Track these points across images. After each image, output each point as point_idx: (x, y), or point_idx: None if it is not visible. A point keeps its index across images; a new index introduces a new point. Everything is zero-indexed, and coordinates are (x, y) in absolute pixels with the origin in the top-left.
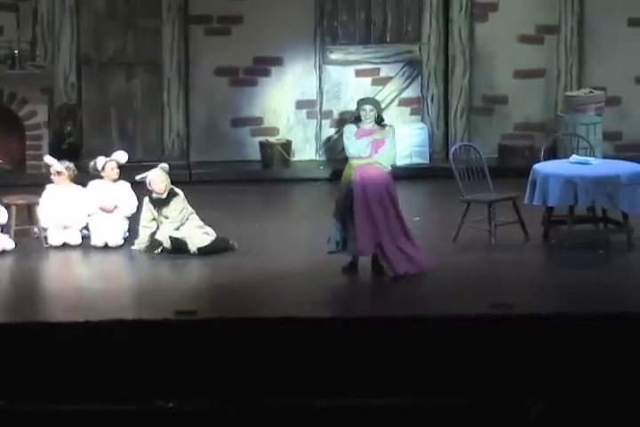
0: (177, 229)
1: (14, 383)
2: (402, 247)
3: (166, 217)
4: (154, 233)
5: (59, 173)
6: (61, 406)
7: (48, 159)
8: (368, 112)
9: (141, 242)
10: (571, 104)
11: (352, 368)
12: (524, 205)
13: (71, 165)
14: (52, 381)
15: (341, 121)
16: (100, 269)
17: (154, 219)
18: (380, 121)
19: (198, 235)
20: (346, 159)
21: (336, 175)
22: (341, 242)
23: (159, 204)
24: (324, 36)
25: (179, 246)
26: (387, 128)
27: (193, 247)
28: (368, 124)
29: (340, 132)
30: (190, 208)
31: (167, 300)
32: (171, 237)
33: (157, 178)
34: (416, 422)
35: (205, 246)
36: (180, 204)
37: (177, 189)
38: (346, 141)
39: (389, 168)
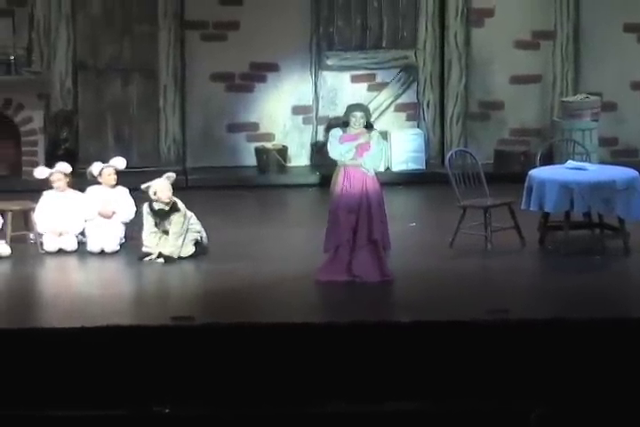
0: (177, 243)
1: (10, 389)
2: (363, 256)
3: (165, 231)
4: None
5: (65, 175)
6: (57, 411)
7: (62, 166)
8: (358, 119)
9: (149, 246)
10: (567, 110)
11: (348, 374)
12: (520, 211)
13: (69, 168)
14: (48, 387)
15: (335, 127)
16: (96, 275)
17: (155, 224)
18: (368, 126)
19: (187, 247)
20: (336, 164)
21: (327, 181)
22: None
23: (160, 216)
24: (320, 42)
25: (167, 260)
26: (372, 132)
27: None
28: (355, 129)
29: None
30: (189, 212)
31: (164, 306)
32: (161, 254)
33: (163, 187)
34: None
35: (188, 256)
36: (181, 218)
37: (180, 204)
38: (329, 145)
39: (373, 172)
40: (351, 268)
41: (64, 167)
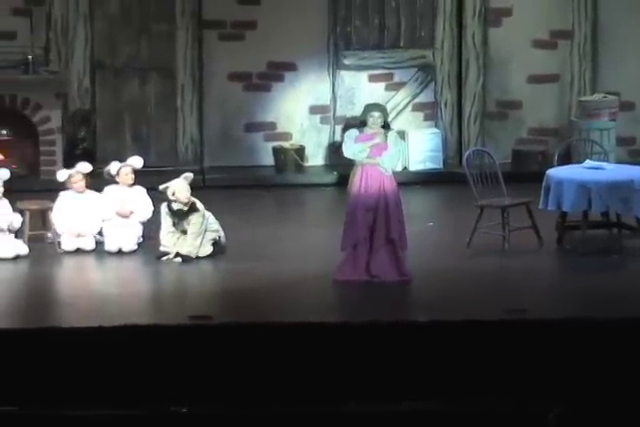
0: (195, 243)
1: (28, 389)
2: (381, 256)
3: (183, 231)
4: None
5: (85, 175)
6: (75, 411)
7: (82, 166)
8: (376, 118)
9: (167, 246)
10: (584, 109)
11: (365, 373)
12: (538, 211)
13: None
14: (66, 386)
15: (353, 127)
16: (114, 274)
17: (173, 223)
18: (385, 127)
19: (205, 247)
20: (353, 163)
21: (344, 180)
22: None
23: (179, 216)
24: (338, 42)
25: (185, 259)
26: (390, 132)
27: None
28: (372, 129)
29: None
30: (207, 212)
31: (181, 305)
32: (179, 254)
33: (181, 188)
34: None
35: (206, 256)
36: (199, 218)
37: (199, 204)
38: (343, 144)
39: (390, 172)
40: (369, 268)
41: (84, 167)
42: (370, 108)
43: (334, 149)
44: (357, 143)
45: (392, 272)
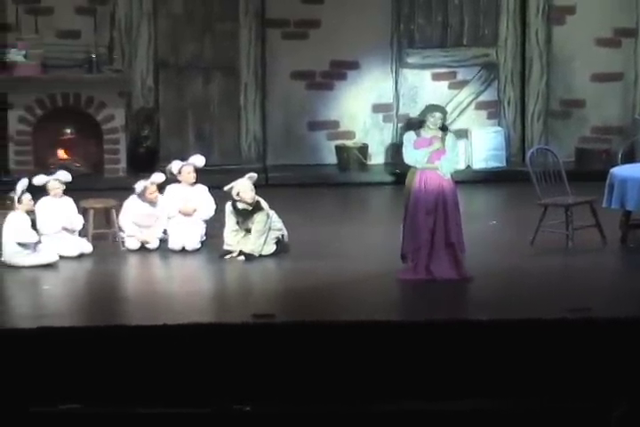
0: (259, 241)
1: (92, 387)
2: (441, 258)
3: (247, 229)
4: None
5: (159, 187)
6: (139, 409)
7: (157, 177)
8: (436, 119)
9: (230, 244)
10: None
11: (427, 372)
12: (602, 209)
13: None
14: (130, 384)
15: (412, 126)
16: (178, 272)
17: (237, 222)
18: (443, 128)
19: (268, 245)
20: None
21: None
22: None
23: (243, 215)
24: (401, 40)
25: (248, 258)
26: (447, 137)
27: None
28: (430, 131)
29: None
30: (271, 211)
31: (245, 303)
32: (242, 252)
33: (245, 187)
34: (495, 426)
35: (269, 254)
36: (263, 217)
37: (263, 203)
38: (404, 149)
39: (449, 176)
40: (430, 270)
41: (159, 178)
42: (430, 108)
43: (396, 148)
44: (417, 149)
45: (452, 274)
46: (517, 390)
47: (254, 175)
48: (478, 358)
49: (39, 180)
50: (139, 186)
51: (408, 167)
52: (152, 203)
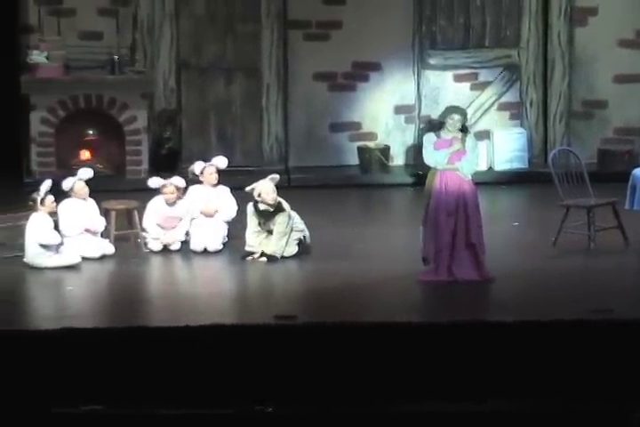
0: (281, 243)
1: (115, 388)
2: (463, 260)
3: (269, 231)
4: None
5: (178, 188)
6: (161, 410)
7: (177, 180)
8: (456, 121)
9: (252, 245)
10: None
11: (449, 373)
12: (624, 211)
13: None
14: (152, 385)
15: (433, 127)
16: (200, 273)
17: (259, 223)
18: (463, 129)
19: (290, 247)
20: None
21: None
22: None
23: (265, 216)
24: (423, 41)
25: (270, 259)
26: (467, 138)
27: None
28: (449, 133)
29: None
30: (293, 212)
31: (266, 304)
32: (264, 253)
33: (267, 189)
34: None
35: (291, 256)
36: (285, 218)
37: (285, 204)
38: (424, 151)
39: (470, 177)
40: (452, 271)
41: (179, 181)
42: (451, 110)
43: (417, 150)
44: (437, 150)
45: (474, 275)
46: (538, 392)
47: (276, 176)
48: (499, 359)
49: (66, 184)
50: (153, 182)
51: (429, 169)
52: (173, 204)
